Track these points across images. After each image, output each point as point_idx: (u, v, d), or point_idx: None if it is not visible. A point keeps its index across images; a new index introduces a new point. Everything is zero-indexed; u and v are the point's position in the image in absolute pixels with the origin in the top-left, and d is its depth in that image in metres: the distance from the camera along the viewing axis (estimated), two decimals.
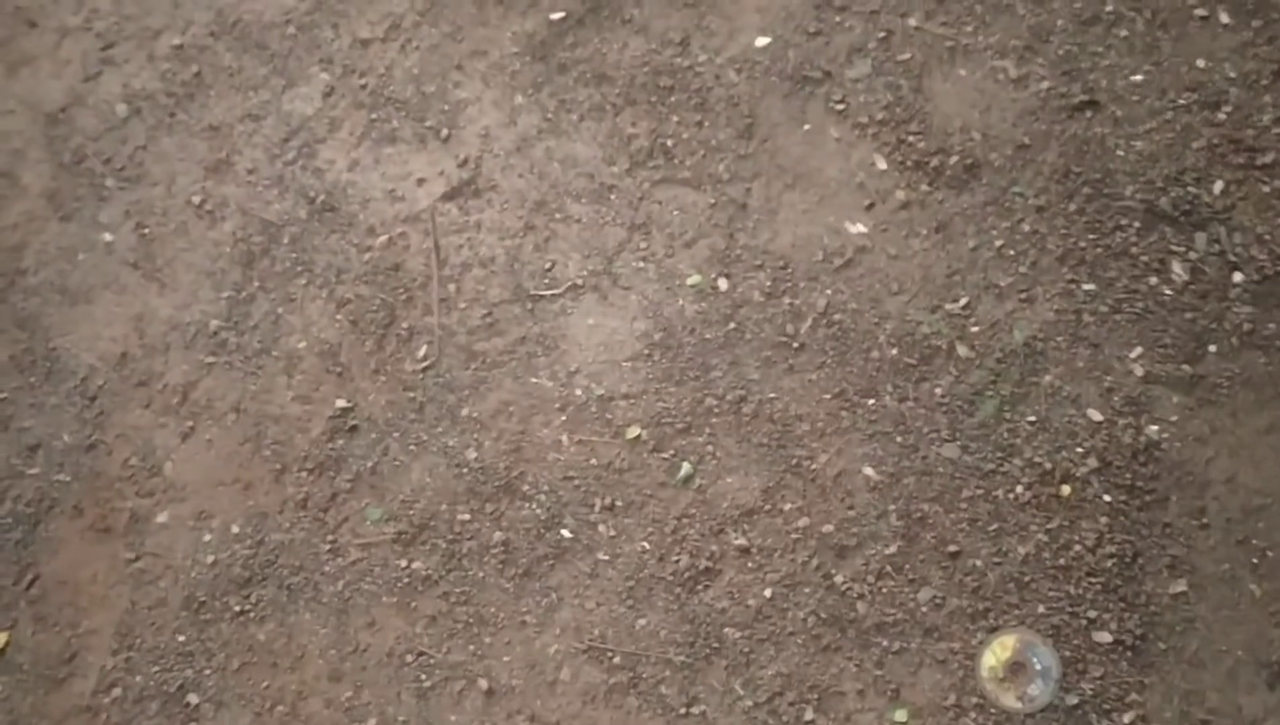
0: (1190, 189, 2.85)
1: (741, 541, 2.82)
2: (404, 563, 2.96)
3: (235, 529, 3.07)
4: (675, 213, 3.11)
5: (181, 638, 3.01)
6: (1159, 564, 2.64)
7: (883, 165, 3.03)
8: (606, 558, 2.88)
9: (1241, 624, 2.58)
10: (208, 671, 2.97)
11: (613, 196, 3.16)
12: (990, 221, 2.93)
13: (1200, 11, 2.97)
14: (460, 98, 3.35)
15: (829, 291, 2.97)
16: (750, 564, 2.80)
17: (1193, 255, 2.81)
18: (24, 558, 3.16)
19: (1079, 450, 2.73)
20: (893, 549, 2.75)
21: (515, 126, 3.28)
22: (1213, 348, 2.75)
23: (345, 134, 3.39)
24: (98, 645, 3.04)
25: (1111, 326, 2.80)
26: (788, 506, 2.83)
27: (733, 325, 2.99)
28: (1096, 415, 2.75)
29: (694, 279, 3.05)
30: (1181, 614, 2.60)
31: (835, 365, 2.91)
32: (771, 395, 2.92)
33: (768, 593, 2.78)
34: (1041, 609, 2.65)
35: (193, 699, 2.94)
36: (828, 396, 2.89)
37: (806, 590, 2.76)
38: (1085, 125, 2.95)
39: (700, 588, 2.81)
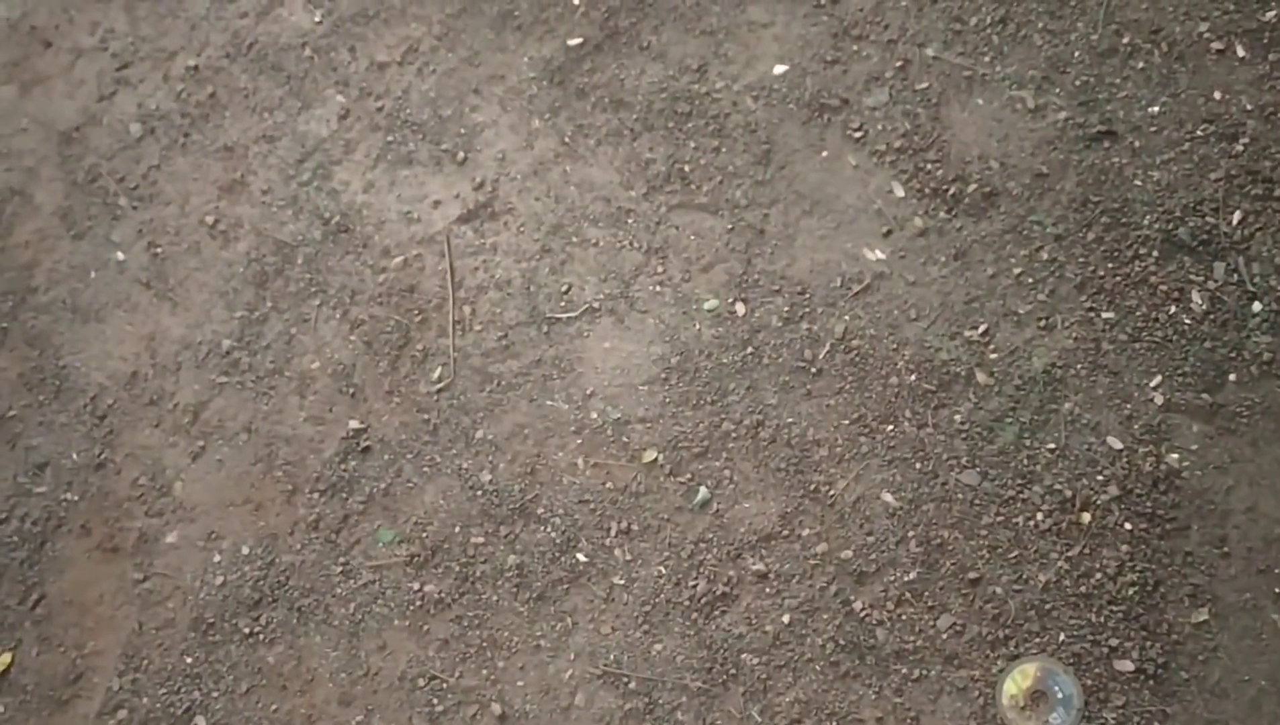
0: (1208, 219, 2.86)
1: (759, 567, 2.80)
2: (416, 585, 2.93)
3: (245, 550, 3.04)
4: (692, 237, 3.11)
5: (189, 659, 2.97)
6: (1180, 593, 2.62)
7: (900, 192, 3.04)
8: (622, 582, 2.85)
9: (1264, 654, 2.56)
10: (215, 694, 2.93)
11: (630, 220, 3.16)
12: (1009, 249, 2.94)
13: (1217, 45, 2.99)
14: (477, 121, 3.35)
15: (847, 317, 2.96)
16: (768, 589, 2.78)
17: (1211, 284, 2.81)
18: (30, 577, 3.13)
19: (1099, 478, 2.72)
20: (912, 575, 2.74)
21: (532, 150, 3.29)
22: (1232, 377, 2.75)
23: (361, 156, 3.39)
24: (104, 666, 3.00)
25: (1131, 354, 2.80)
26: (806, 532, 2.81)
27: (750, 350, 2.98)
28: (1116, 443, 2.74)
29: (711, 303, 3.05)
30: (1204, 643, 2.58)
31: (853, 391, 2.90)
32: (789, 420, 2.91)
33: (786, 619, 2.75)
34: (1063, 637, 2.63)
35: (200, 722, 2.90)
36: (846, 422, 2.88)
37: (825, 616, 2.74)
38: (1103, 155, 2.96)
39: (717, 613, 2.79)
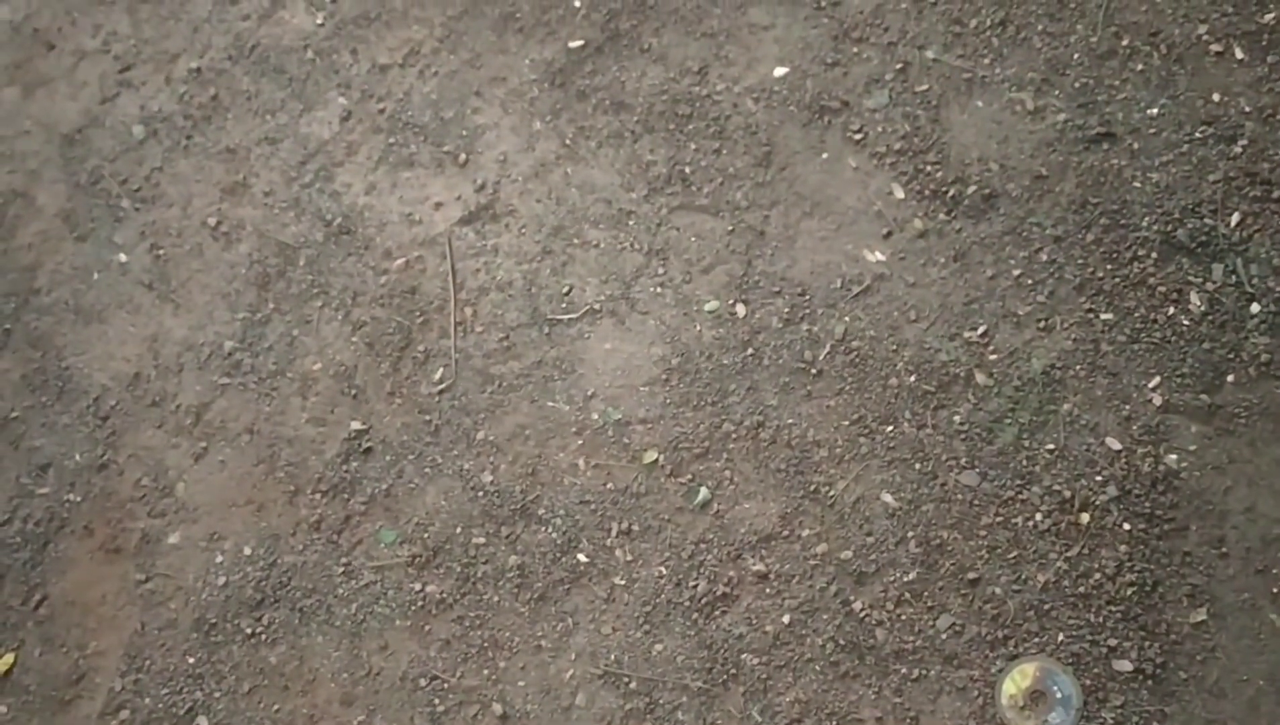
0: (1207, 221, 2.87)
1: (759, 567, 2.81)
2: (418, 586, 2.94)
3: (247, 550, 3.05)
4: (693, 239, 3.13)
5: (191, 660, 2.98)
6: (1179, 593, 2.63)
7: (900, 194, 3.05)
8: (623, 582, 2.86)
9: (1262, 653, 2.57)
10: (218, 694, 2.94)
11: (630, 222, 3.17)
12: (1008, 251, 2.95)
13: (1215, 47, 3.00)
14: (478, 123, 3.36)
15: (847, 318, 2.97)
16: (768, 590, 2.79)
17: (1210, 286, 2.82)
18: (32, 578, 3.14)
19: (1098, 478, 2.73)
20: (912, 576, 2.75)
21: (533, 152, 3.30)
22: (1230, 378, 2.76)
23: (363, 158, 3.41)
24: (106, 667, 3.02)
25: (1129, 356, 2.81)
26: (806, 532, 2.82)
27: (750, 351, 2.99)
28: (1115, 444, 2.75)
29: (711, 305, 3.06)
30: (1202, 643, 2.59)
31: (853, 392, 2.91)
32: (789, 421, 2.92)
33: (786, 619, 2.76)
34: (1061, 637, 2.64)
35: (202, 722, 2.91)
36: (846, 423, 2.89)
37: (825, 617, 2.75)
38: (1102, 157, 2.97)
39: (718, 613, 2.80)
